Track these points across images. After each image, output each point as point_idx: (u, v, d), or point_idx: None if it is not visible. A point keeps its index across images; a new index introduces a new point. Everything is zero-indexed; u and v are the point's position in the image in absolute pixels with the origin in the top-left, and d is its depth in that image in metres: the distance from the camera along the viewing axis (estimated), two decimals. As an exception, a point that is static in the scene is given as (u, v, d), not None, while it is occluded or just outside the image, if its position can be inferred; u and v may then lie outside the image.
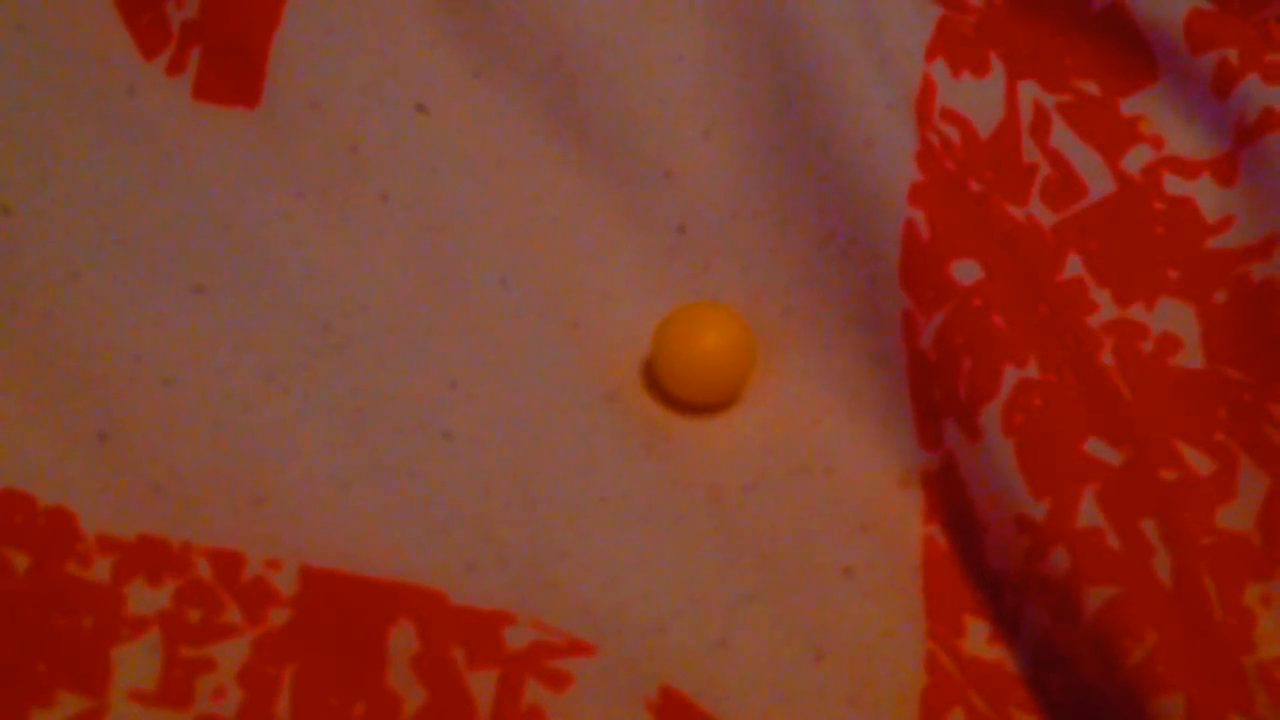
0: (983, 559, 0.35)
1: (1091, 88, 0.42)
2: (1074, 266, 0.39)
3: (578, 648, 0.30)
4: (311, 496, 0.33)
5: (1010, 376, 0.35)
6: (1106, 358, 0.38)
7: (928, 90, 0.40)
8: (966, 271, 0.36)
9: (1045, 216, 0.40)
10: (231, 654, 0.30)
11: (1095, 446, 0.34)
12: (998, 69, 0.41)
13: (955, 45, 0.41)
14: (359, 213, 0.40)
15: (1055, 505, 0.33)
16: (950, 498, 0.36)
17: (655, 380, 0.38)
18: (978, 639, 0.34)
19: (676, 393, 0.38)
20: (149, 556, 0.32)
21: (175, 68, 0.42)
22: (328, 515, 0.33)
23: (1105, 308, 0.39)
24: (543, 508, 0.34)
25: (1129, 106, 0.41)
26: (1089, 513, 0.33)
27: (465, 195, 0.41)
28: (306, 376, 0.36)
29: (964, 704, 0.32)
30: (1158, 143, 0.41)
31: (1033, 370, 0.35)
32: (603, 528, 0.34)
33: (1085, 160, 0.40)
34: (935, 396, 0.36)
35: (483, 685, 0.30)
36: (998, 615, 0.34)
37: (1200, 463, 0.36)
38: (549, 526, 0.34)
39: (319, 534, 0.32)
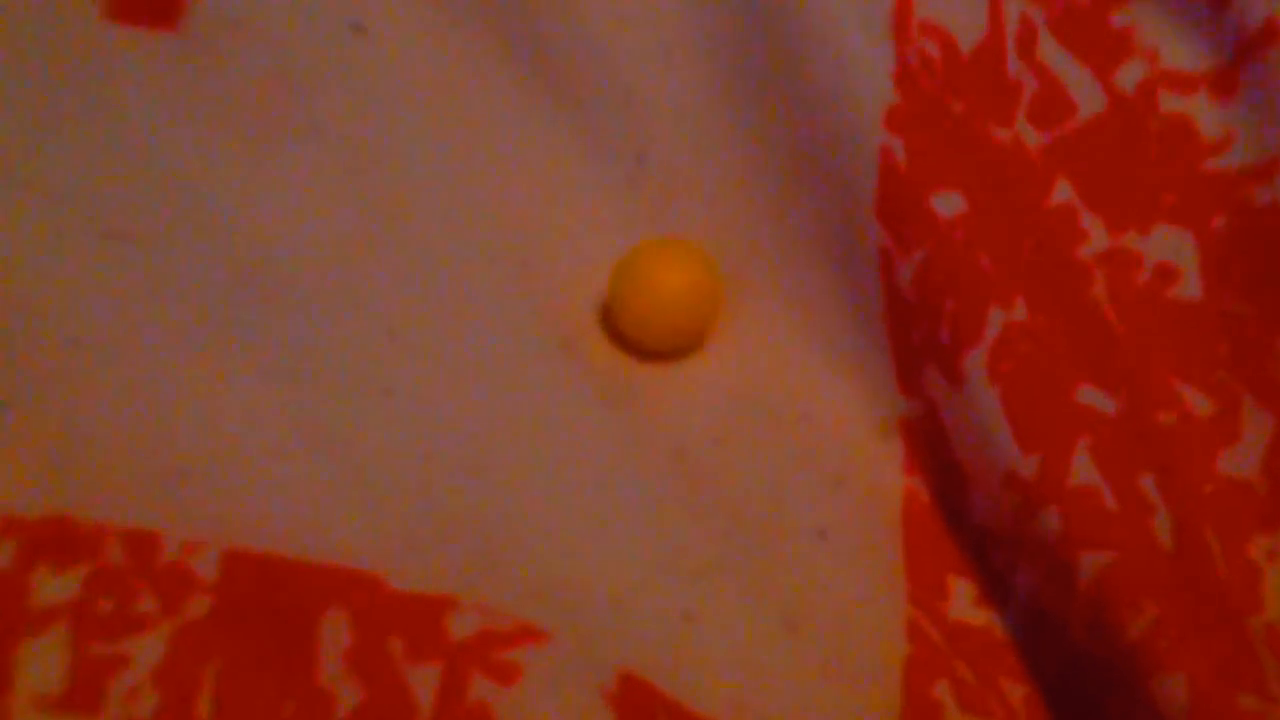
0: (968, 514, 0.32)
1: (1081, -3, 0.38)
2: (1063, 192, 0.36)
3: (528, 634, 0.28)
4: (235, 469, 0.30)
5: (996, 319, 0.32)
6: (1098, 292, 0.35)
7: (905, 2, 0.37)
8: (948, 204, 0.33)
9: (1032, 138, 0.36)
10: (147, 650, 0.28)
11: (1088, 395, 0.31)
12: (980, -23, 0.38)
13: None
14: (288, 146, 0.37)
15: (1046, 461, 0.30)
16: (932, 448, 0.33)
17: (614, 325, 0.35)
18: (963, 601, 0.32)
19: (637, 338, 0.35)
20: (55, 539, 0.29)
21: (80, -17, 0.38)
22: (253, 490, 0.30)
23: (1096, 236, 0.36)
24: (491, 472, 0.31)
25: (1121, 18, 0.37)
26: (1082, 469, 0.30)
27: (406, 125, 0.37)
28: (229, 332, 0.32)
29: (949, 675, 0.30)
30: (1151, 56, 0.38)
31: (1020, 312, 0.32)
32: (557, 492, 0.32)
33: (1074, 76, 0.37)
34: (915, 340, 0.34)
35: (424, 680, 0.27)
36: (984, 574, 0.32)
37: (1200, 403, 0.34)
38: (497, 493, 0.31)
39: (243, 511, 0.29)
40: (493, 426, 0.32)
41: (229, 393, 0.31)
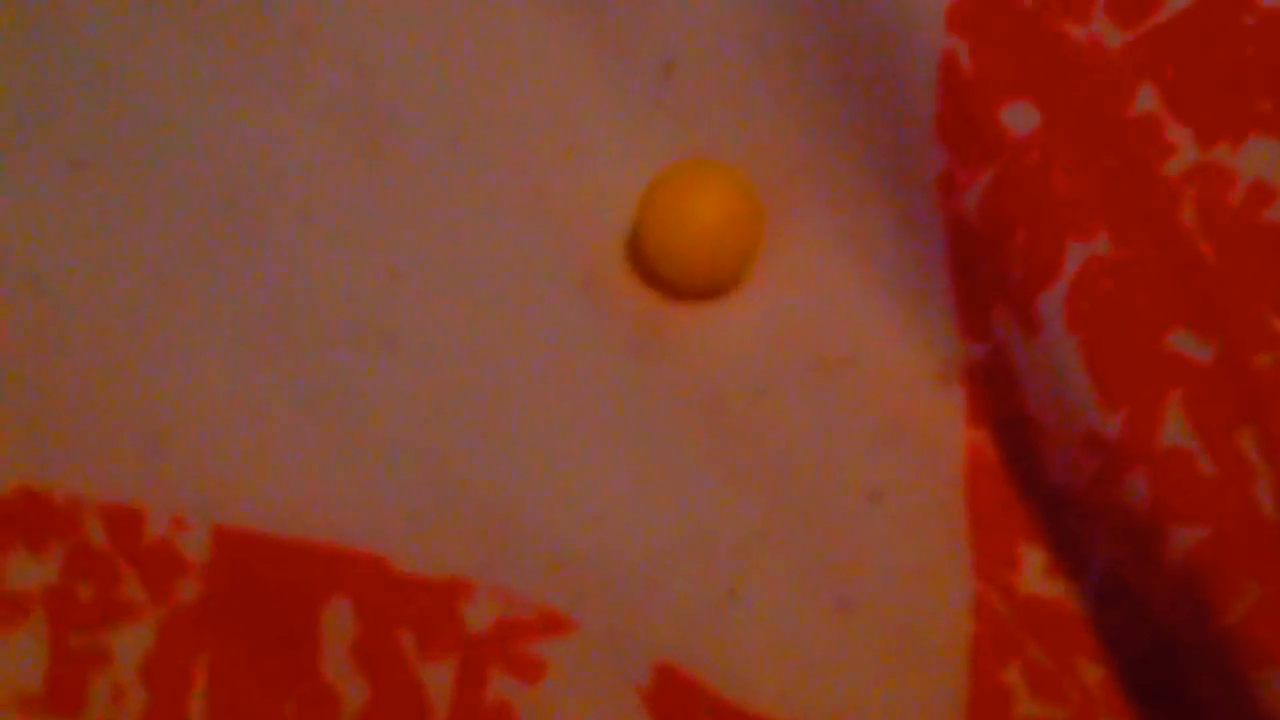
0: (1040, 473, 0.29)
1: None
2: (1146, 99, 0.32)
3: (553, 624, 0.25)
4: (220, 434, 0.27)
5: (1075, 253, 0.28)
6: (1188, 217, 0.31)
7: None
8: (1021, 117, 0.29)
9: (1112, 36, 0.32)
10: (132, 642, 0.25)
11: (1181, 340, 0.27)
12: None
13: None
14: (271, 58, 0.33)
15: (1132, 419, 0.27)
16: (999, 398, 0.30)
17: (641, 260, 0.32)
18: (1034, 571, 0.28)
19: (667, 274, 0.31)
20: (29, 516, 0.26)
21: None
22: (241, 458, 0.27)
23: (1185, 149, 0.32)
24: (505, 433, 0.28)
25: (1216, -104, 0.33)
26: (1174, 428, 0.26)
27: (402, 32, 0.33)
28: (209, 274, 0.29)
29: (1020, 656, 0.27)
30: (1249, -60, 0.33)
31: (1103, 244, 0.28)
32: (580, 454, 0.28)
33: (1160, -36, 0.33)
34: (981, 275, 0.30)
35: (438, 677, 0.24)
36: (1058, 540, 0.29)
37: (1302, 343, 0.30)
38: (513, 457, 0.28)
39: (232, 483, 0.26)
40: (506, 379, 0.29)
41: (208, 347, 0.28)
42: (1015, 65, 0.30)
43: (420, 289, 0.30)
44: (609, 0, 0.34)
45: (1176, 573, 0.26)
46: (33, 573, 0.26)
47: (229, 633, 0.25)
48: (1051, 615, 0.28)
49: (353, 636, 0.25)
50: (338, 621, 0.25)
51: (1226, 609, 0.25)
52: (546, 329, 0.30)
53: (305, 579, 0.25)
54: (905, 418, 0.30)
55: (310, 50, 0.33)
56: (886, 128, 0.31)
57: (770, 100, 0.33)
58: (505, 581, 0.26)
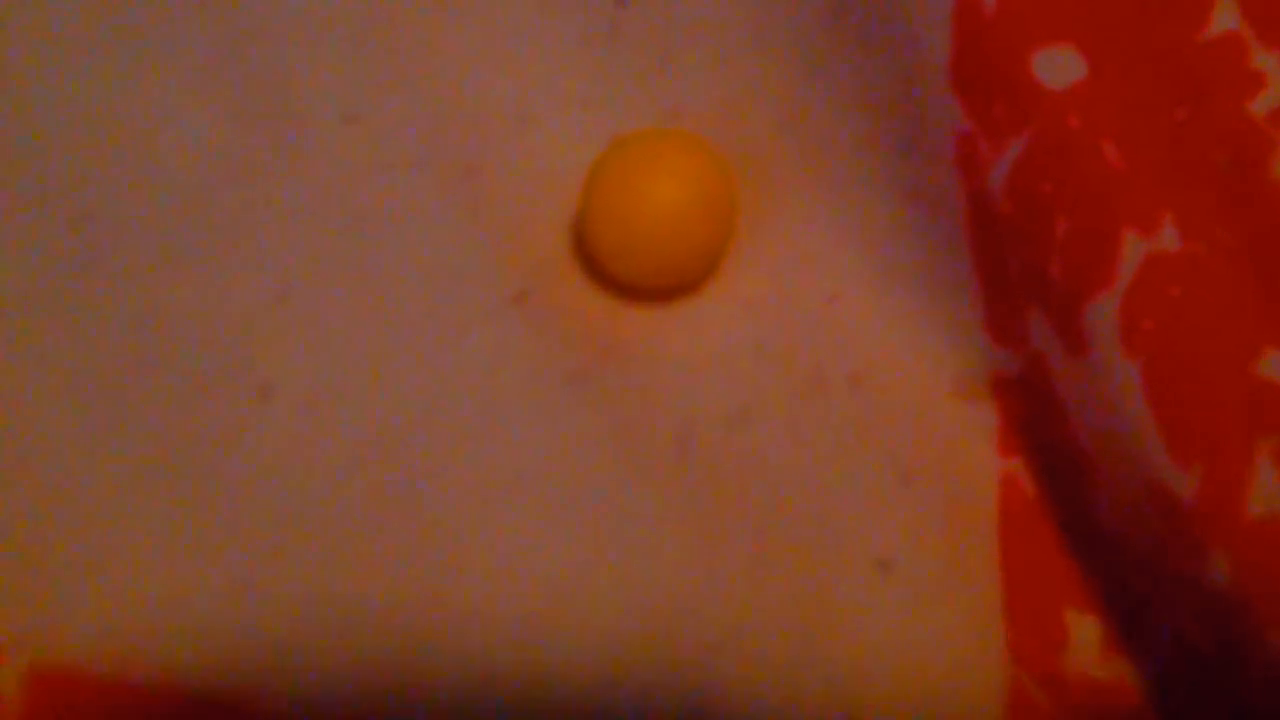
0: (1092, 517, 0.23)
1: None
2: (1225, 17, 0.25)
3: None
4: (46, 539, 0.21)
5: (1133, 249, 0.22)
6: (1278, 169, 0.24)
7: None
8: (1058, 66, 0.23)
9: None
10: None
11: (1275, 366, 0.21)
12: None
13: None
14: (132, 17, 0.26)
15: (1210, 478, 0.21)
16: (1039, 417, 0.24)
17: (590, 255, 0.26)
18: (1086, 647, 0.23)
19: (619, 274, 0.25)
20: None
21: None
22: (68, 570, 0.21)
23: (1276, 82, 0.25)
24: (417, 509, 0.23)
25: None
26: (1267, 490, 0.20)
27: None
28: (40, 298, 0.23)
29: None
30: None
31: (1169, 237, 0.22)
32: (517, 530, 0.23)
33: None
34: (1012, 269, 0.23)
35: None
36: (1116, 607, 0.23)
37: None
38: (434, 533, 0.22)
39: (57, 605, 0.21)
40: (418, 434, 0.23)
41: (28, 394, 0.22)
42: (1051, -5, 0.23)
43: (310, 316, 0.24)
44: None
45: (1273, 674, 0.20)
46: None
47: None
48: (1106, 703, 0.22)
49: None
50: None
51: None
52: (471, 361, 0.24)
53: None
54: (921, 448, 0.24)
55: (182, 12, 0.27)
56: (891, 79, 0.25)
57: (746, 41, 0.26)
58: (426, 705, 0.20)
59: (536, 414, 0.24)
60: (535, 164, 0.26)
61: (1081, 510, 0.23)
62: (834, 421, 0.24)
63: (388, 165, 0.26)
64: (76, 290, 0.24)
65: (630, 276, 0.25)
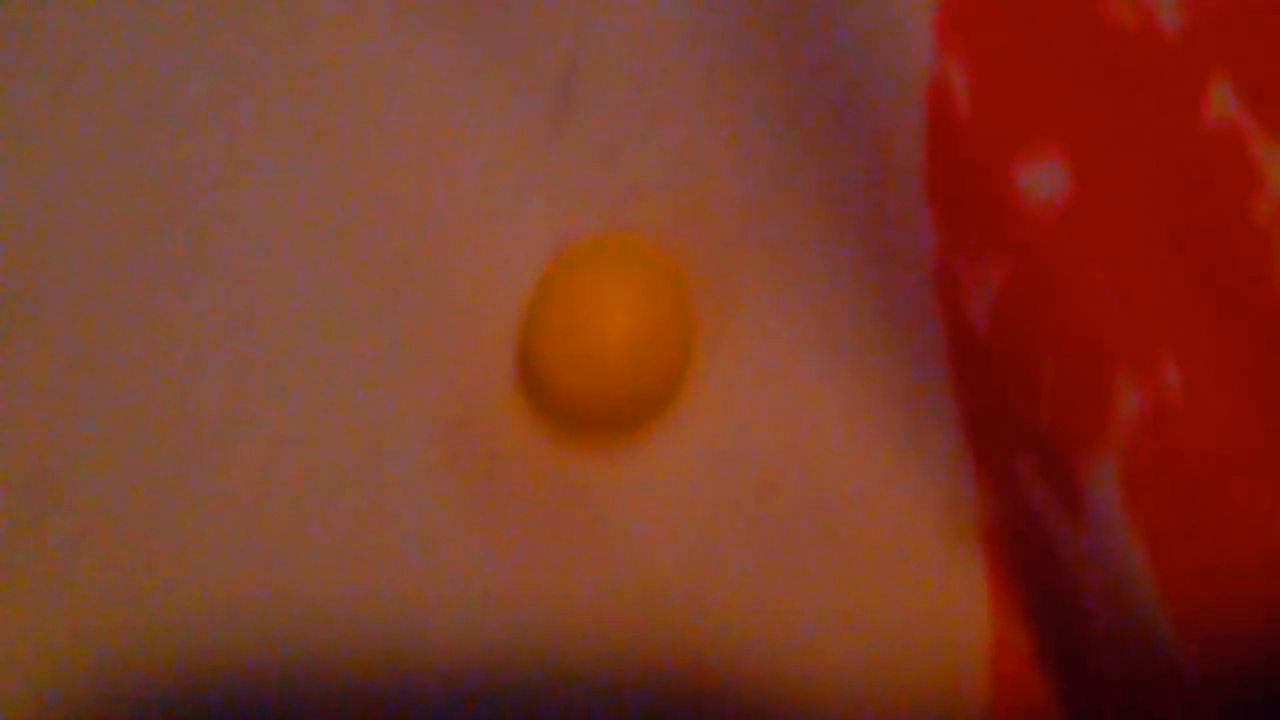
0: (1091, 671, 0.20)
1: None
2: (1222, 99, 0.21)
3: None
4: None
5: (1130, 397, 0.19)
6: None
7: None
8: (1044, 179, 0.20)
9: (1170, 14, 0.22)
10: None
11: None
12: None
13: None
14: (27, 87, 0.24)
15: (1220, 654, 0.18)
16: (1037, 578, 0.21)
17: (535, 387, 0.23)
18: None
19: (570, 407, 0.23)
20: None
21: None
22: None
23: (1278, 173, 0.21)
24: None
25: None
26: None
27: (195, 50, 0.24)
28: None
29: None
30: None
31: (1172, 378, 0.19)
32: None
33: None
34: (999, 411, 0.21)
35: None
36: None
37: None
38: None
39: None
40: (336, 613, 0.21)
41: None
42: (1033, 88, 0.20)
43: (212, 455, 0.22)
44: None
45: None
46: None
47: None
48: None
49: None
50: None
51: None
52: (395, 510, 0.22)
53: None
54: (903, 619, 0.22)
55: (84, 81, 0.24)
56: (860, 183, 0.22)
57: (703, 135, 0.23)
58: None
59: (474, 583, 0.22)
60: (470, 274, 0.24)
61: (1095, 700, 0.20)
62: (806, 583, 0.22)
63: (303, 285, 0.23)
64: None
65: (581, 412, 0.23)
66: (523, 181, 0.24)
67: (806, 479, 0.22)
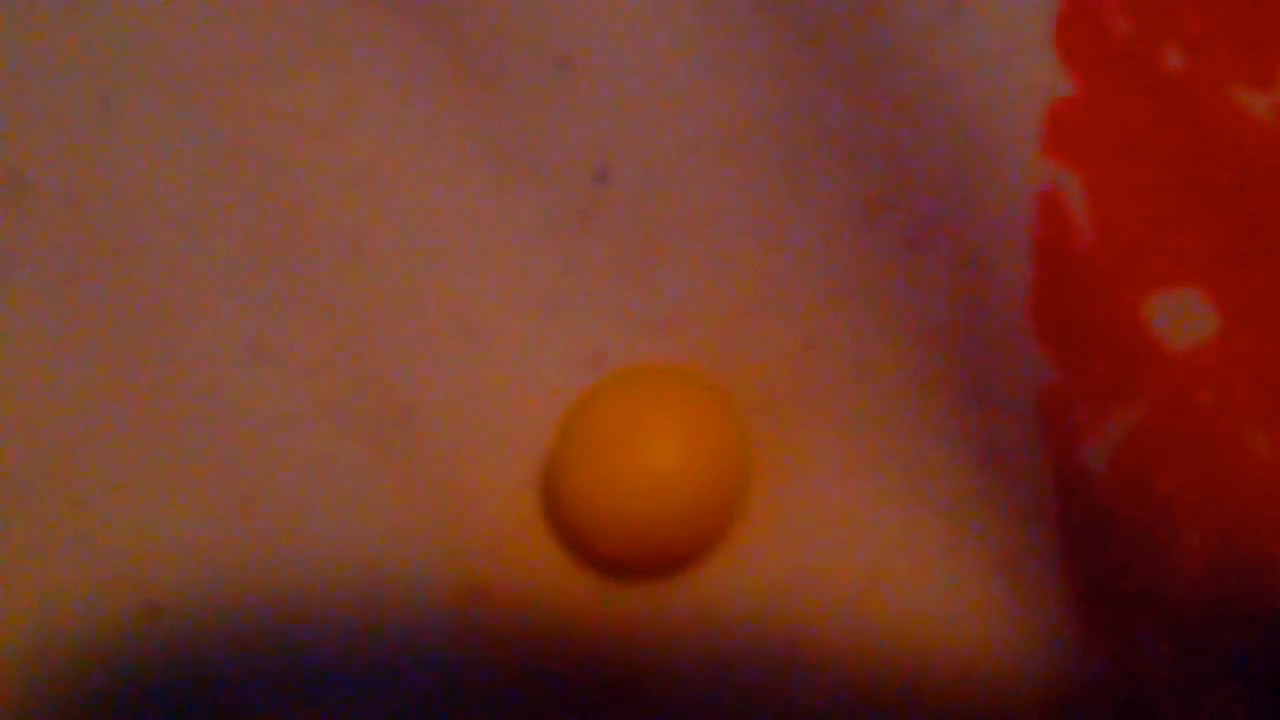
0: None
1: None
2: None
3: None
4: None
5: (1292, 575, 0.16)
6: None
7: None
8: (1184, 315, 0.17)
9: None
10: None
11: None
12: None
13: None
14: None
15: None
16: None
17: (563, 526, 0.20)
18: None
19: (606, 548, 0.20)
20: None
21: None
22: None
23: None
24: None
25: None
26: None
27: (178, 181, 0.21)
28: None
29: None
30: None
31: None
32: None
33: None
34: (1119, 575, 0.18)
35: None
36: None
37: None
38: None
39: None
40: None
41: None
42: (1163, 209, 0.17)
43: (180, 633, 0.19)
44: (508, 71, 0.21)
45: None
46: None
47: None
48: None
49: None
50: None
51: None
52: (410, 690, 0.19)
53: None
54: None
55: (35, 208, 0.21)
56: (950, 303, 0.19)
57: (758, 234, 0.20)
58: None
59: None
60: (487, 399, 0.20)
61: None
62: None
63: (298, 414, 0.20)
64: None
65: (619, 553, 0.20)
66: (546, 282, 0.21)
67: (884, 637, 0.19)
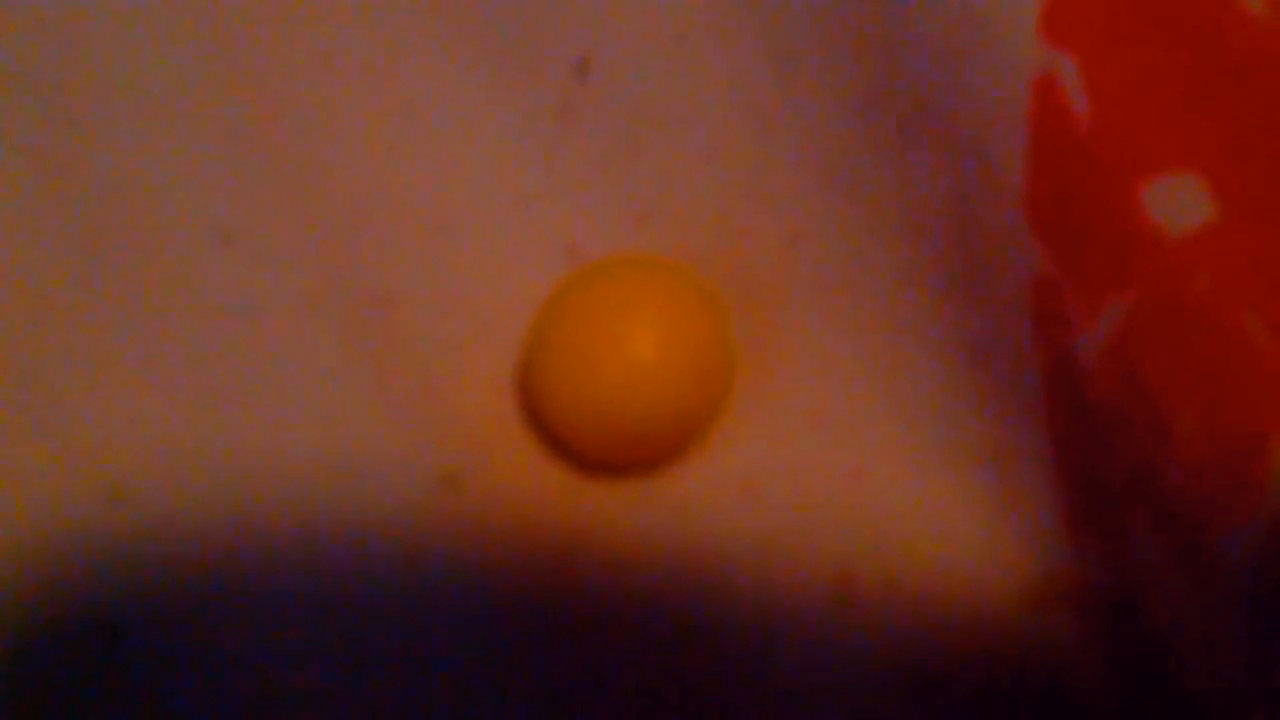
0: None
1: None
2: None
3: None
4: None
5: (1284, 462, 0.16)
6: None
7: None
8: (1178, 203, 0.17)
9: None
10: None
11: None
12: None
13: None
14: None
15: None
16: (1133, 649, 0.18)
17: (541, 420, 0.20)
18: None
19: (584, 443, 0.19)
20: None
21: None
22: None
23: None
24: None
25: None
26: None
27: (143, 63, 0.20)
28: None
29: None
30: None
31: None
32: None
33: None
34: (1109, 462, 0.18)
35: None
36: None
37: None
38: None
39: None
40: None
41: None
42: (1160, 94, 0.17)
43: (146, 522, 0.18)
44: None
45: None
46: None
47: None
48: None
49: None
50: None
51: None
52: (388, 579, 0.18)
53: None
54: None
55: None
56: (943, 196, 0.19)
57: (743, 125, 0.20)
58: None
59: (477, 655, 0.18)
60: (464, 290, 0.20)
61: None
62: (862, 641, 0.19)
63: (269, 303, 0.19)
64: None
65: (596, 448, 0.19)
66: (524, 174, 0.20)
67: (863, 532, 0.19)
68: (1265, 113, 0.17)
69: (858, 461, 0.19)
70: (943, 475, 0.19)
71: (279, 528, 0.18)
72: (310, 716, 0.18)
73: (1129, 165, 0.17)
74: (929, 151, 0.18)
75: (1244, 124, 0.17)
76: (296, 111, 0.20)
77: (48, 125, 0.19)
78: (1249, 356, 0.16)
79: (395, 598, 0.18)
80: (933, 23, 0.18)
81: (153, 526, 0.18)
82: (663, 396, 0.19)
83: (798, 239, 0.20)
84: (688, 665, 0.19)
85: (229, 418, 0.19)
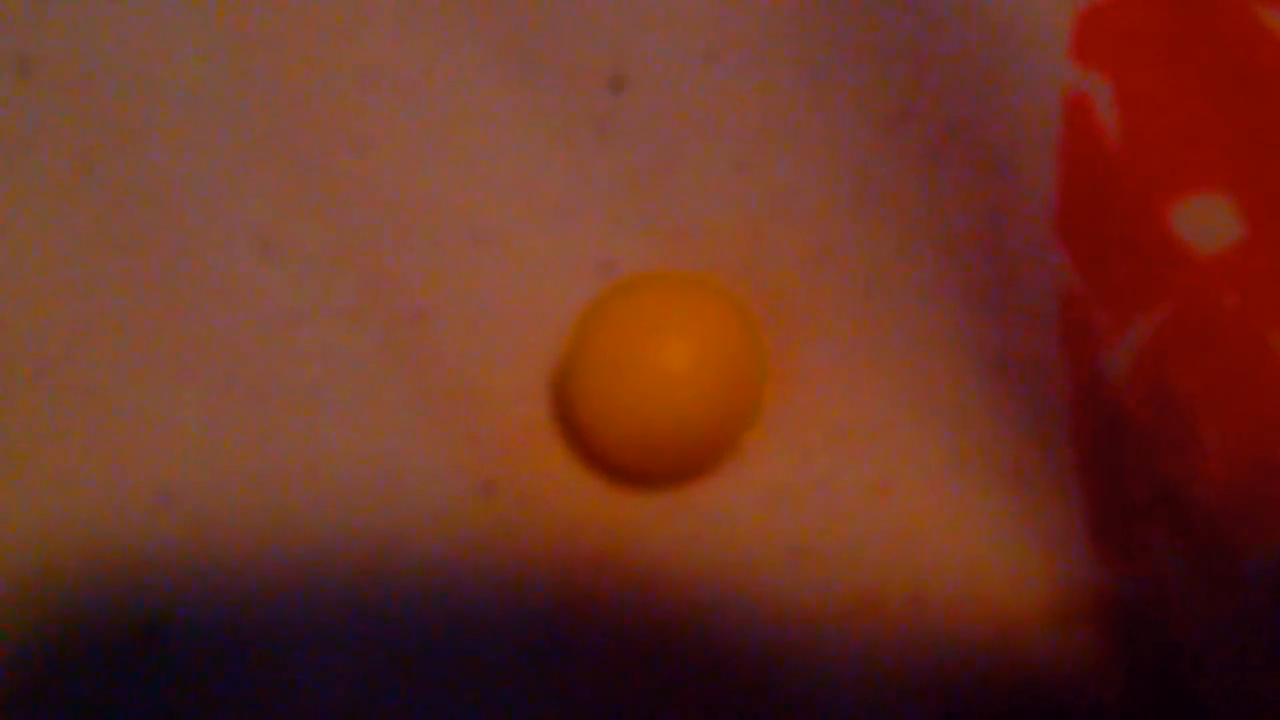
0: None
1: None
2: None
3: None
4: None
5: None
6: None
7: None
8: (1207, 223, 0.17)
9: None
10: None
11: None
12: None
13: None
14: None
15: None
16: (1154, 660, 0.18)
17: (575, 430, 0.20)
18: None
19: (618, 454, 0.20)
20: None
21: None
22: None
23: None
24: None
25: None
26: None
27: (189, 73, 0.20)
28: None
29: None
30: None
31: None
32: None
33: None
34: (1134, 476, 0.18)
35: None
36: None
37: None
38: None
39: None
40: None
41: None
42: (1191, 116, 0.17)
43: (195, 528, 0.18)
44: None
45: None
46: None
47: None
48: None
49: None
50: None
51: None
52: (425, 590, 0.19)
53: None
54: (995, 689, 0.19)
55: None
56: (973, 211, 0.19)
57: (776, 142, 0.20)
58: None
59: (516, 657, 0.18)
60: (500, 303, 0.20)
61: None
62: (888, 654, 0.19)
63: (309, 312, 0.20)
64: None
65: (630, 459, 0.20)
66: (560, 189, 0.21)
67: (890, 546, 0.19)
68: (1266, 116, 0.17)
69: (885, 475, 0.20)
70: (969, 489, 0.19)
71: (316, 533, 0.18)
72: (343, 717, 0.18)
73: (1159, 185, 0.17)
74: (960, 168, 0.19)
75: (1273, 145, 0.17)
76: (337, 124, 0.20)
77: (92, 132, 0.20)
78: (1277, 374, 0.16)
79: (430, 603, 0.18)
80: (965, 41, 0.18)
81: (197, 529, 0.18)
82: (696, 409, 0.19)
83: (828, 254, 0.20)
84: (715, 675, 0.19)
85: (270, 425, 0.19)
